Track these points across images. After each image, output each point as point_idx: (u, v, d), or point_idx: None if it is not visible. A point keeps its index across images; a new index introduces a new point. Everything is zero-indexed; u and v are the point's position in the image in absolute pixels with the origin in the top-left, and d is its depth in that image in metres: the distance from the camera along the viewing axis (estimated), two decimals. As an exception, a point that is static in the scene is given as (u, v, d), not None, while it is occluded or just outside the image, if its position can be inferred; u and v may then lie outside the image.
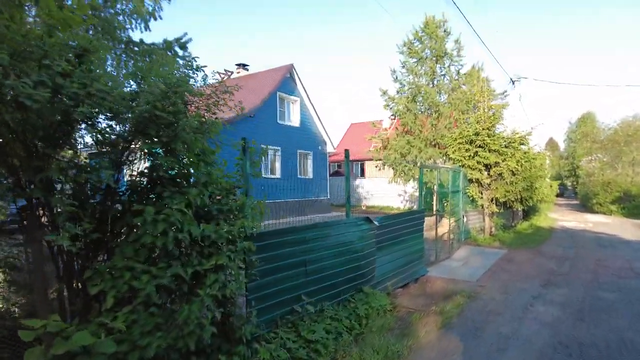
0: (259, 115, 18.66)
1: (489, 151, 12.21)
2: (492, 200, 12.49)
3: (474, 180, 12.42)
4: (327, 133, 23.79)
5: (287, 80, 21.06)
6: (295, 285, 4.62)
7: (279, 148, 20.12)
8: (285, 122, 21.00)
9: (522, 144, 12.62)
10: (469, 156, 12.28)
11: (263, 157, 4.24)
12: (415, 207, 24.26)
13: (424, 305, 6.09)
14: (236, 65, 23.90)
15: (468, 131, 12.41)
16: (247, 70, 23.93)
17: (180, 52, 6.05)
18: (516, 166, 11.88)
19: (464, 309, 5.91)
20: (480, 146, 12.22)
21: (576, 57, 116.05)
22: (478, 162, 12.18)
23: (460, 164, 12.27)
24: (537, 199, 15.34)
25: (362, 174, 31.45)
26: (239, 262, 3.48)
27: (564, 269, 8.84)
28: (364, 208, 26.96)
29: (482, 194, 12.63)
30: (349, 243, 5.51)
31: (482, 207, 12.70)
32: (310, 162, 22.69)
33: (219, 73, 24.88)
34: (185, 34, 6.21)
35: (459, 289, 6.89)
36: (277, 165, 20.44)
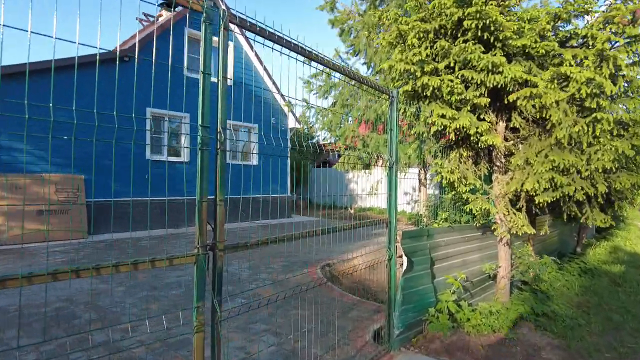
0: (143, 61, 11.52)
1: (507, 55, 3.91)
2: (515, 200, 4.11)
3: (452, 141, 4.11)
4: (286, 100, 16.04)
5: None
6: None
7: (187, 114, 12.80)
8: (204, 76, 13.60)
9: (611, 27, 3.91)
10: (441, 69, 4.02)
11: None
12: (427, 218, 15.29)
13: None
14: (159, 5, 16.89)
15: (441, -4, 4.08)
16: (178, 11, 16.84)
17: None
18: (602, 82, 3.38)
19: None
20: (479, 39, 3.93)
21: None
22: (468, 84, 3.91)
23: (403, 92, 4.01)
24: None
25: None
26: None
27: None
28: (351, 212, 18.76)
29: (483, 180, 4.31)
30: None
31: (482, 217, 4.35)
32: (254, 142, 15.15)
33: (139, 20, 18.18)
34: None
35: None
36: (185, 142, 13.16)
